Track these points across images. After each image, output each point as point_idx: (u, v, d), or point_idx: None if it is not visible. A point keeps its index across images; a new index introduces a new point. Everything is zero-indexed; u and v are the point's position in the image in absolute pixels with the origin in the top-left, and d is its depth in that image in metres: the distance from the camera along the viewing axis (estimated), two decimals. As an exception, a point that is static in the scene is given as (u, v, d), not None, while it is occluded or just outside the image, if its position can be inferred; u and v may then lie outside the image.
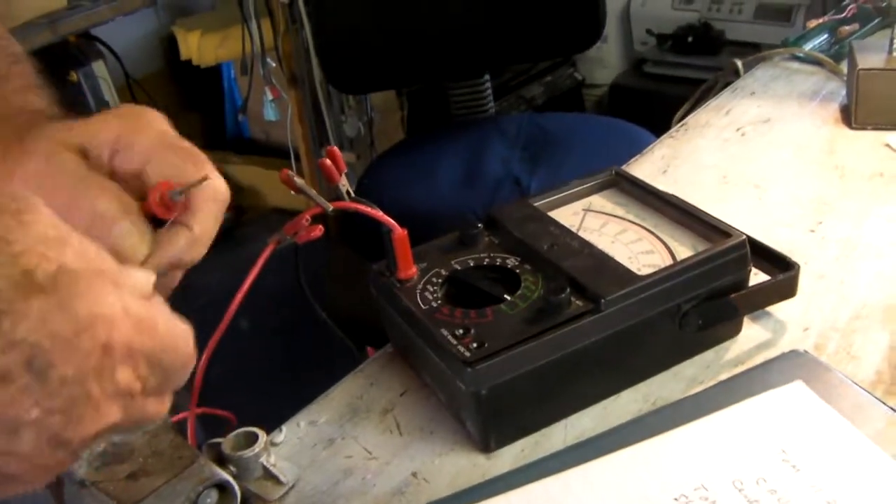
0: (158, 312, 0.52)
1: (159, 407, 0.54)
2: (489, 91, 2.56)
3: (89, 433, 0.49)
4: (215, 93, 3.69)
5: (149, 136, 0.65)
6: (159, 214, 0.63)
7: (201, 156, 0.66)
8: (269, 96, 3.20)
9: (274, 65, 3.19)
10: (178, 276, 0.66)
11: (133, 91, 3.38)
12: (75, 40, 3.04)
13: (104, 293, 0.48)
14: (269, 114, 3.20)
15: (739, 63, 1.57)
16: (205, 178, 0.64)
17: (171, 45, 3.59)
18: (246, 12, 3.12)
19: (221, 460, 0.83)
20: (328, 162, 0.81)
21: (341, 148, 3.08)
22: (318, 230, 0.76)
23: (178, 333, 0.53)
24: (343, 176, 0.83)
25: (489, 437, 0.85)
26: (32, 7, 2.75)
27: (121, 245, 0.61)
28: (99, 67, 3.12)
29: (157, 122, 0.67)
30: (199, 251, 0.64)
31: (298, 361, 2.45)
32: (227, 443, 0.84)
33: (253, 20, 3.13)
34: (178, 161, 0.65)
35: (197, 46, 3.36)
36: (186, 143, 0.66)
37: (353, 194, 0.83)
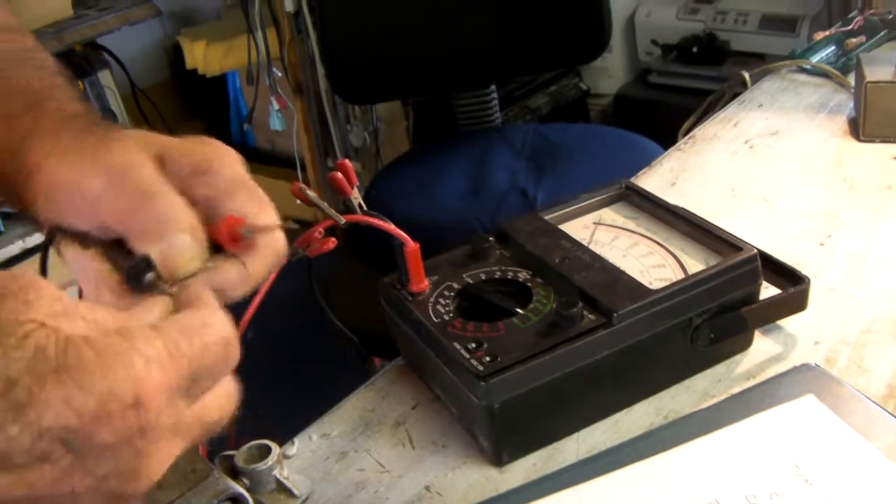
0: (179, 335, 0.53)
1: (222, 404, 0.57)
2: (495, 101, 2.57)
3: (148, 482, 0.51)
4: (221, 102, 3.71)
5: (232, 170, 0.66)
6: (223, 244, 0.64)
7: (269, 205, 0.66)
8: (275, 106, 3.21)
9: (280, 74, 3.20)
10: None
11: (139, 100, 3.39)
12: (81, 49, 3.05)
13: (118, 355, 0.49)
14: (275, 123, 3.21)
15: (747, 75, 1.57)
16: (276, 228, 0.65)
17: (176, 54, 3.60)
18: (252, 22, 3.13)
19: (234, 473, 0.83)
20: (339, 175, 0.81)
21: (347, 158, 3.09)
22: (332, 243, 0.76)
23: (205, 342, 0.54)
24: (355, 189, 0.83)
25: (502, 451, 0.85)
26: (39, 16, 2.76)
27: (176, 254, 0.61)
28: (105, 77, 3.13)
29: (238, 161, 0.68)
30: (243, 290, 0.64)
31: (304, 371, 2.46)
32: (240, 455, 0.84)
33: (259, 30, 3.14)
34: (253, 204, 0.65)
35: (202, 56, 3.37)
36: (261, 191, 0.67)
37: (364, 207, 0.83)
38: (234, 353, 0.56)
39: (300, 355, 2.44)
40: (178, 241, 0.61)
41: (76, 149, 0.65)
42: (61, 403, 0.46)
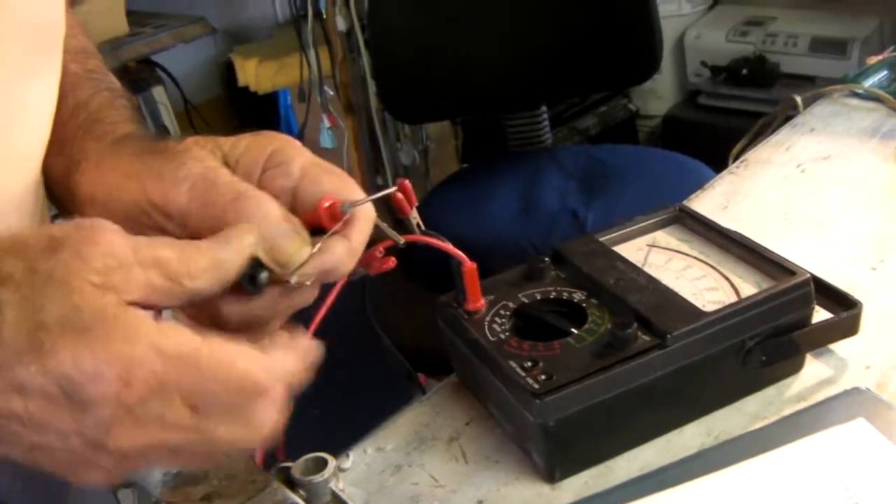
0: (210, 349, 0.56)
1: (235, 433, 0.59)
2: (546, 122, 2.58)
3: (124, 445, 0.56)
4: (271, 119, 3.74)
5: (303, 156, 0.69)
6: (325, 224, 0.66)
7: (350, 179, 0.70)
8: (326, 124, 3.23)
9: (331, 93, 3.23)
10: (315, 292, 0.69)
11: (191, 116, 3.43)
12: (136, 66, 3.09)
13: (129, 333, 0.54)
14: (326, 141, 3.24)
15: (799, 98, 1.57)
16: (368, 199, 0.69)
17: (228, 71, 3.64)
18: (304, 41, 3.16)
19: (291, 484, 0.85)
20: (400, 195, 0.83)
21: (396, 176, 3.12)
22: (392, 262, 0.78)
23: (225, 365, 0.56)
24: (414, 209, 0.85)
25: (554, 468, 0.86)
26: (95, 33, 2.78)
27: (282, 246, 0.64)
28: (158, 93, 3.17)
29: (300, 145, 0.71)
30: (351, 263, 0.68)
31: (352, 386, 2.47)
32: (296, 467, 0.85)
33: (311, 48, 3.17)
34: (334, 180, 0.68)
35: (255, 73, 3.41)
36: (336, 167, 0.70)
37: (423, 227, 0.84)
38: (254, 395, 0.58)
39: (349, 371, 2.46)
40: (279, 234, 0.64)
41: (145, 170, 0.68)
42: (69, 355, 0.52)
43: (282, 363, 0.60)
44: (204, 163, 0.67)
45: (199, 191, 0.65)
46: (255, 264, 0.62)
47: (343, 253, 0.67)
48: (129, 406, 0.54)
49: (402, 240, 0.78)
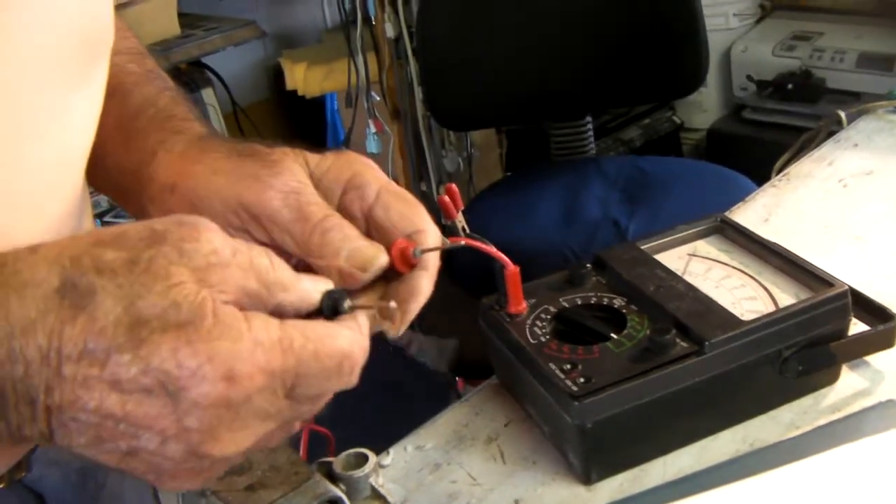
0: (297, 332, 0.57)
1: (317, 406, 0.61)
2: (590, 132, 2.59)
3: (228, 451, 0.56)
4: (318, 123, 3.76)
5: (379, 181, 0.71)
6: (397, 266, 0.69)
7: (420, 206, 0.72)
8: (372, 129, 3.26)
9: (378, 98, 3.26)
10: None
11: (238, 119, 3.46)
12: (186, 68, 3.12)
13: (231, 330, 0.54)
14: (372, 146, 3.26)
15: (843, 114, 1.58)
16: (448, 245, 0.72)
17: (277, 75, 3.66)
18: (353, 46, 3.19)
19: (332, 478, 0.87)
20: (447, 198, 0.85)
21: (440, 182, 3.14)
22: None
23: (319, 350, 0.57)
24: (459, 212, 0.86)
25: (591, 470, 0.88)
26: (147, 34, 2.84)
27: (363, 251, 0.67)
28: (208, 94, 3.20)
29: (378, 170, 0.73)
30: (417, 305, 0.71)
31: (391, 388, 2.49)
32: (337, 462, 0.87)
33: (359, 54, 3.19)
34: (406, 209, 0.70)
35: (303, 77, 3.43)
36: (408, 193, 0.72)
37: (468, 230, 0.86)
38: (352, 371, 0.60)
39: (388, 373, 2.48)
40: (358, 246, 0.67)
41: (238, 170, 0.71)
42: (169, 351, 0.52)
43: (362, 335, 0.62)
44: (297, 177, 0.69)
45: (291, 202, 0.68)
46: (340, 295, 0.63)
47: (407, 294, 0.70)
48: (234, 404, 0.54)
49: (448, 242, 0.80)
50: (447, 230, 0.83)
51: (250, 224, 0.69)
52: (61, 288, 0.52)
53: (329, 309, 0.63)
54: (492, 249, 0.86)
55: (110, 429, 0.54)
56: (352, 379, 0.60)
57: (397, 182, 0.73)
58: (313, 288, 0.61)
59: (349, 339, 0.59)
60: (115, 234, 0.55)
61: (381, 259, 0.67)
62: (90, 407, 0.53)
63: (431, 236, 0.71)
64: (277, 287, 0.58)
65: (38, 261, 0.53)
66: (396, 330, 0.69)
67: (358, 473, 0.86)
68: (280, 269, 0.59)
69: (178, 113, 0.80)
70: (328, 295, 0.63)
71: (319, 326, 0.59)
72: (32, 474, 0.80)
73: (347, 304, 0.63)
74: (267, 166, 0.70)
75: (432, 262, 0.71)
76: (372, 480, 0.87)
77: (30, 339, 0.52)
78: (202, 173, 0.72)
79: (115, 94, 0.81)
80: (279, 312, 0.59)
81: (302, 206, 0.68)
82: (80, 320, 0.52)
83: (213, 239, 0.56)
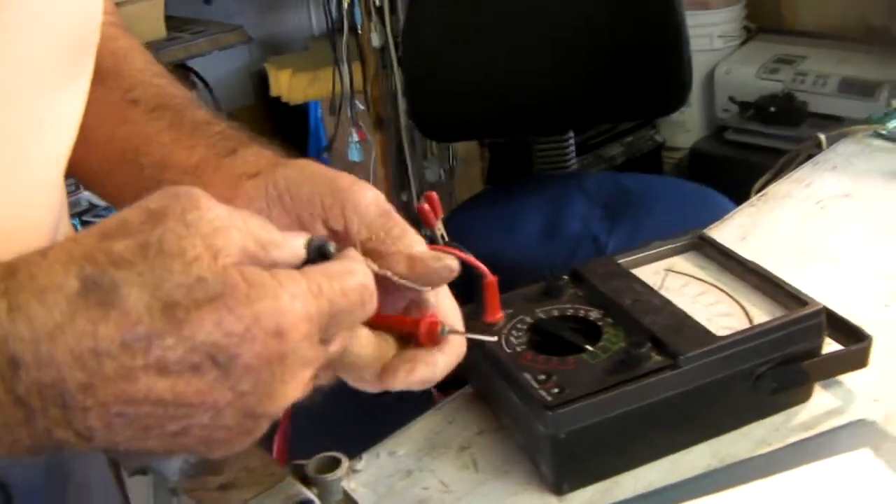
0: (322, 278, 0.59)
1: (339, 351, 0.63)
2: (572, 148, 2.60)
3: (281, 405, 0.58)
4: (301, 130, 3.77)
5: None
6: (422, 340, 0.70)
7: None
8: (355, 137, 3.26)
9: (362, 107, 3.26)
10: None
11: (222, 123, 3.46)
12: (171, 70, 3.12)
13: (267, 289, 0.55)
14: (354, 154, 3.26)
15: (822, 137, 1.59)
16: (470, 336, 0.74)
17: (261, 80, 3.67)
18: (338, 55, 3.19)
19: (305, 481, 0.87)
20: (426, 206, 0.85)
21: (421, 193, 3.14)
22: None
23: (344, 286, 0.59)
24: (439, 220, 0.87)
25: (562, 480, 0.88)
26: (133, 35, 2.83)
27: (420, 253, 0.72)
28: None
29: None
30: (434, 379, 0.72)
31: (363, 395, 2.49)
32: (310, 465, 0.87)
33: (345, 63, 3.20)
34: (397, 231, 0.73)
35: (287, 84, 3.44)
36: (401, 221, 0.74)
37: (447, 238, 0.87)
38: (371, 300, 0.62)
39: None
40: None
41: (331, 170, 0.75)
42: (213, 324, 0.53)
43: (365, 267, 0.63)
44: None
45: (380, 203, 0.73)
46: (318, 242, 0.65)
47: (439, 366, 0.71)
48: (284, 358, 0.55)
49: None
50: (427, 239, 0.84)
51: (332, 210, 0.72)
52: (83, 289, 0.52)
53: (318, 255, 0.64)
54: (470, 258, 0.86)
55: (159, 415, 0.54)
56: (373, 306, 0.62)
57: (378, 189, 0.75)
58: (298, 243, 0.63)
59: (362, 270, 0.62)
60: (117, 223, 0.55)
61: (451, 261, 0.71)
62: (139, 397, 0.53)
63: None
64: (272, 246, 0.59)
65: (51, 264, 0.53)
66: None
67: (330, 477, 0.86)
68: (270, 228, 0.60)
69: (246, 134, 0.83)
70: (311, 244, 0.64)
71: (335, 266, 0.61)
72: (0, 464, 0.80)
73: (332, 246, 0.65)
74: (359, 181, 0.74)
75: (449, 353, 0.73)
76: (344, 484, 0.87)
77: (58, 344, 0.52)
78: (296, 166, 0.76)
79: (163, 108, 0.84)
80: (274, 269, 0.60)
81: (388, 209, 0.73)
82: (112, 317, 0.52)
83: (211, 205, 0.56)
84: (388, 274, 0.69)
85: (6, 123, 0.67)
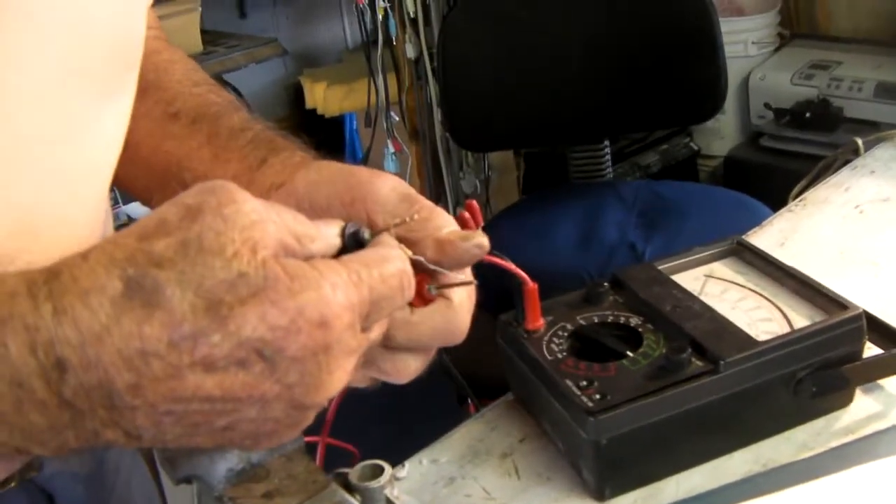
0: (361, 266, 0.60)
1: (379, 338, 0.65)
2: (608, 157, 2.60)
3: (328, 395, 0.59)
4: (337, 142, 3.79)
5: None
6: (415, 305, 0.70)
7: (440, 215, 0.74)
8: (391, 149, 3.27)
9: (397, 119, 3.27)
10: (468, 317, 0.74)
11: (258, 136, 3.47)
12: (209, 82, 3.14)
13: (309, 280, 0.56)
14: (390, 166, 3.27)
15: (860, 141, 1.59)
16: (464, 283, 0.73)
17: (296, 93, 3.69)
18: (373, 67, 3.21)
19: (348, 489, 0.88)
20: (467, 215, 0.86)
21: (457, 203, 3.15)
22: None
23: (383, 273, 0.61)
24: (479, 229, 0.87)
25: (604, 486, 0.89)
26: (170, 50, 2.86)
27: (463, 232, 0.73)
28: (228, 111, 3.22)
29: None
30: (444, 340, 0.72)
31: (400, 404, 2.49)
32: (353, 473, 0.88)
33: (379, 75, 3.21)
34: (425, 213, 0.73)
35: (322, 96, 3.46)
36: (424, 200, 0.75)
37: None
38: (410, 285, 0.63)
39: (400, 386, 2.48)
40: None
41: (350, 168, 0.76)
42: (258, 319, 0.54)
43: (402, 253, 0.64)
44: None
45: (400, 190, 0.73)
46: (353, 229, 0.66)
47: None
48: (329, 347, 0.56)
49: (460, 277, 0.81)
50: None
51: (353, 206, 0.72)
52: (126, 291, 0.53)
53: (354, 243, 0.65)
54: (511, 265, 0.87)
55: (207, 411, 0.56)
56: (411, 291, 0.63)
57: None
58: (332, 233, 0.64)
59: (399, 256, 0.63)
60: (155, 223, 0.56)
61: (481, 237, 0.71)
62: (187, 395, 0.54)
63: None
64: (307, 238, 0.60)
65: (93, 267, 0.54)
66: None
67: (374, 484, 0.87)
68: (303, 220, 0.61)
69: (279, 136, 0.85)
70: (345, 231, 0.65)
71: (371, 253, 0.62)
72: (43, 474, 0.81)
73: (367, 232, 0.66)
74: (377, 172, 0.75)
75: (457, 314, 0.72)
76: (387, 492, 0.88)
77: (105, 346, 0.52)
78: (313, 167, 0.77)
79: (201, 119, 0.86)
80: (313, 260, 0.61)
81: (409, 193, 0.73)
82: (156, 317, 0.53)
83: (246, 197, 0.57)
84: (422, 260, 0.69)
85: (49, 133, 0.68)
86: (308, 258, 0.59)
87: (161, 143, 0.86)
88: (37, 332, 0.52)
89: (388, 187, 0.73)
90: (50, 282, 0.54)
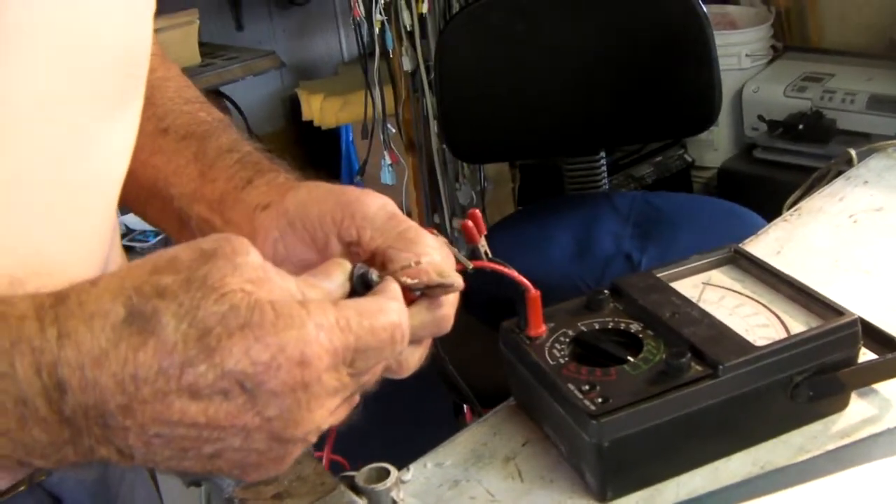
0: (351, 311, 0.62)
1: (372, 380, 0.66)
2: (604, 168, 2.61)
3: (309, 430, 0.61)
4: (333, 154, 3.80)
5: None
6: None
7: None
8: (387, 161, 3.28)
9: (393, 131, 3.29)
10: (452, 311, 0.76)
11: (255, 148, 3.48)
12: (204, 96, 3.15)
13: (293, 318, 0.58)
14: (386, 178, 3.28)
15: (853, 152, 1.61)
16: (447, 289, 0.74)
17: (293, 105, 3.71)
18: (370, 79, 3.22)
19: (355, 491, 0.89)
20: (470, 223, 0.88)
21: (453, 215, 3.17)
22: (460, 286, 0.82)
23: (374, 324, 0.62)
24: (482, 237, 0.89)
25: (606, 488, 0.91)
26: (168, 63, 2.87)
27: (437, 264, 0.73)
28: (225, 123, 3.23)
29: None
30: (430, 332, 0.74)
31: (397, 411, 2.50)
32: (360, 476, 0.90)
33: (376, 87, 3.23)
34: (411, 234, 0.75)
35: (319, 108, 3.46)
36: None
37: (490, 254, 0.89)
38: (401, 339, 0.64)
39: (397, 394, 2.49)
40: (446, 254, 0.75)
41: (340, 189, 0.78)
42: (242, 352, 0.56)
43: (402, 304, 0.66)
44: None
45: (387, 209, 0.76)
46: (362, 272, 0.69)
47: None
48: (308, 386, 0.58)
49: (470, 265, 0.83)
50: (472, 254, 0.86)
51: (342, 223, 0.75)
52: (128, 317, 0.56)
53: (362, 286, 0.68)
54: (514, 273, 0.89)
55: (194, 437, 0.58)
56: (403, 346, 0.65)
57: (410, 213, 0.79)
58: (337, 282, 0.67)
59: (397, 311, 0.64)
60: (168, 259, 0.59)
61: (456, 277, 0.74)
62: (174, 420, 0.57)
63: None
64: (311, 290, 0.64)
65: (101, 293, 0.57)
66: None
67: (380, 487, 0.88)
68: (306, 287, 0.64)
69: (266, 158, 0.86)
70: (355, 273, 0.68)
71: (369, 303, 0.64)
72: (52, 478, 0.82)
73: (375, 275, 0.69)
74: (366, 191, 0.77)
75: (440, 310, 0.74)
76: (393, 494, 0.90)
77: (103, 369, 0.55)
78: (303, 188, 0.79)
79: (190, 137, 0.88)
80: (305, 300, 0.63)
81: (396, 213, 0.75)
82: (150, 344, 0.56)
83: (259, 256, 0.61)
84: (421, 285, 0.71)
85: (59, 146, 0.70)
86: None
87: (150, 158, 0.87)
88: (41, 355, 0.55)
89: (377, 206, 0.75)
90: (56, 306, 0.57)
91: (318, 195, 0.78)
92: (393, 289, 0.67)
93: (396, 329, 0.64)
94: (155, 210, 0.89)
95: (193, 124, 0.89)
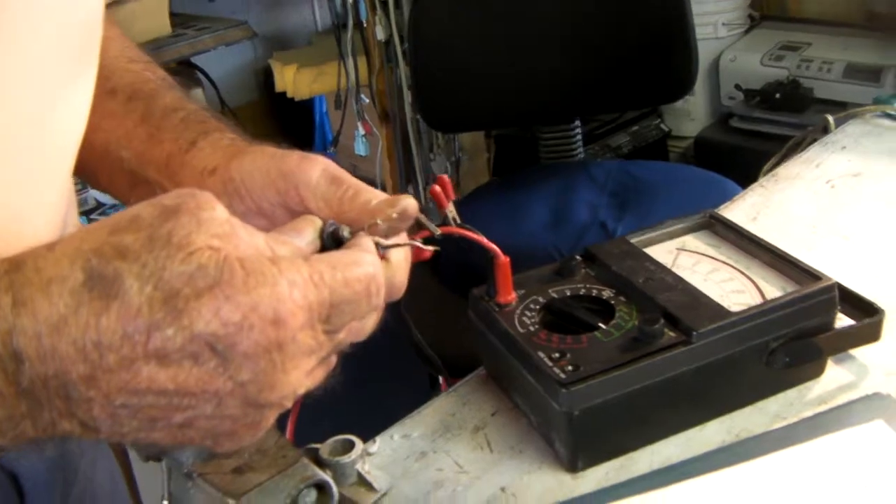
0: (324, 265, 0.59)
1: (356, 336, 0.64)
2: (579, 137, 2.60)
3: (284, 393, 0.58)
4: (306, 125, 3.77)
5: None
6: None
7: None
8: (361, 131, 3.27)
9: (367, 101, 3.27)
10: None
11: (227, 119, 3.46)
12: (175, 67, 3.12)
13: (265, 276, 0.55)
14: (360, 148, 3.27)
15: (831, 118, 1.59)
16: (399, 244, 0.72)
17: (266, 76, 3.68)
18: (343, 49, 3.20)
19: (319, 464, 0.87)
20: (438, 189, 0.85)
21: (427, 185, 3.15)
22: (428, 252, 0.80)
23: (348, 277, 0.59)
24: (451, 203, 0.87)
25: (577, 458, 0.89)
26: (138, 33, 2.84)
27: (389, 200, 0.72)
28: (197, 95, 3.20)
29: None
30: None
31: (371, 381, 2.48)
32: (324, 448, 0.88)
33: (349, 57, 3.20)
34: (350, 192, 0.73)
35: (292, 79, 3.44)
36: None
37: (458, 220, 0.87)
38: (377, 292, 0.62)
39: (370, 365, 2.47)
40: (387, 196, 0.72)
41: (282, 154, 0.76)
42: (211, 313, 0.53)
43: (377, 256, 0.64)
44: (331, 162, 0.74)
45: (329, 172, 0.73)
46: (332, 229, 0.67)
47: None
48: (283, 346, 0.55)
49: (438, 231, 0.80)
50: (439, 221, 0.84)
51: (287, 194, 0.73)
52: (88, 281, 0.53)
53: (333, 242, 0.66)
54: (483, 239, 0.86)
55: (163, 406, 0.55)
56: (379, 300, 0.62)
57: (384, 185, 0.77)
58: (307, 238, 0.65)
59: (371, 262, 0.62)
60: (129, 218, 0.56)
61: (408, 200, 0.71)
62: (141, 388, 0.53)
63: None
64: (279, 245, 0.60)
65: (58, 257, 0.54)
66: None
67: (345, 459, 0.86)
68: (276, 244, 0.60)
69: (211, 116, 0.84)
70: (325, 230, 0.66)
71: (342, 255, 0.61)
72: (9, 455, 0.80)
73: (346, 231, 0.67)
74: (306, 156, 0.74)
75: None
76: (358, 467, 0.88)
77: (62, 337, 0.52)
78: (247, 156, 0.76)
79: (137, 97, 0.85)
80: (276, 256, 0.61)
81: (337, 175, 0.73)
82: (113, 308, 0.52)
83: (224, 210, 0.57)
84: (399, 244, 0.70)
85: (17, 116, 0.67)
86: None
87: (100, 122, 0.84)
88: None
89: (318, 171, 0.73)
90: (11, 273, 0.53)
91: (261, 164, 0.75)
92: (365, 242, 0.65)
93: (372, 280, 0.61)
94: (105, 175, 0.86)
95: (139, 83, 0.86)
